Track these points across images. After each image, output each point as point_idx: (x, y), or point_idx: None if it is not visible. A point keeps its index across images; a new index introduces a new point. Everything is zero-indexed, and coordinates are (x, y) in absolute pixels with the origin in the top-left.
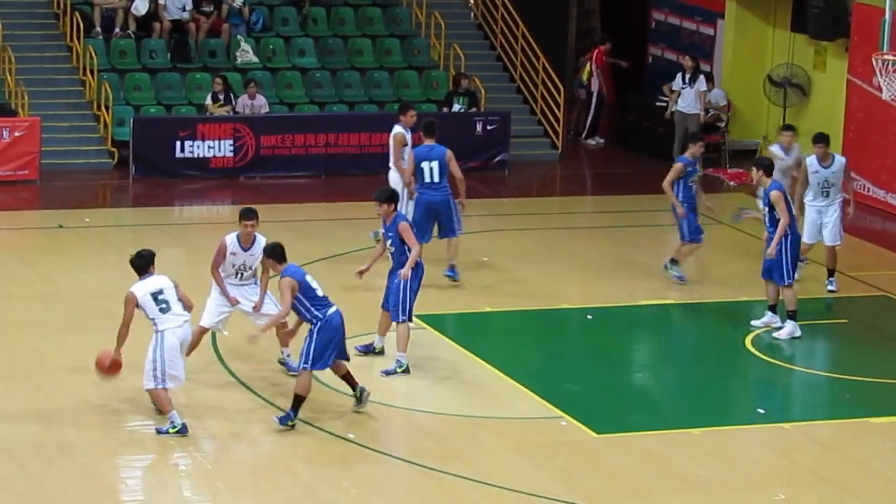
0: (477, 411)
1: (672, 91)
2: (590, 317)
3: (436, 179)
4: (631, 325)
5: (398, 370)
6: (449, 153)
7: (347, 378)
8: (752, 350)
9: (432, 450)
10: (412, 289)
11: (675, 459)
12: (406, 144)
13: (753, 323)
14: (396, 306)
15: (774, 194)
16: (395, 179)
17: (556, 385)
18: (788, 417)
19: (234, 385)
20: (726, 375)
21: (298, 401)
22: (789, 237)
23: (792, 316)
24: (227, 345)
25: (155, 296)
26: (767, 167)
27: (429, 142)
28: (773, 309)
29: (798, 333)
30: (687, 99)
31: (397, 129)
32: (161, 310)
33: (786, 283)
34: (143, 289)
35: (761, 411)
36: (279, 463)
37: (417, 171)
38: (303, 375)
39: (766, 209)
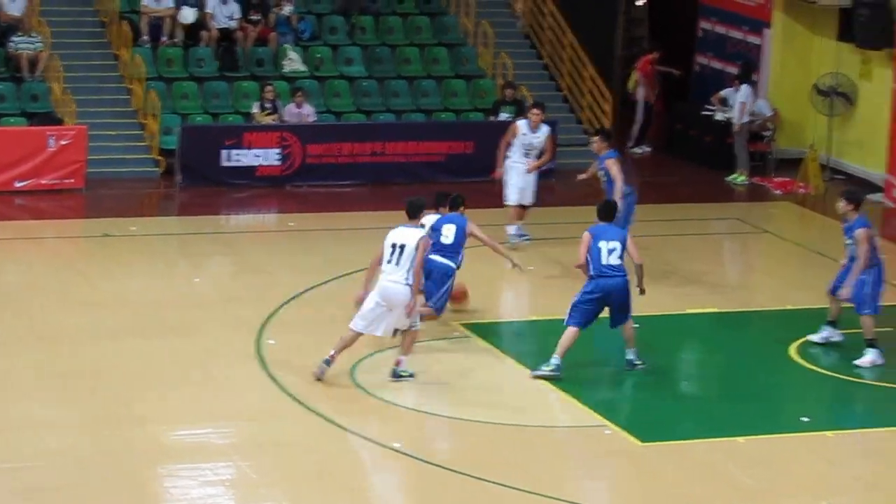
0: (522, 420)
1: (727, 104)
2: (637, 325)
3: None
4: (677, 334)
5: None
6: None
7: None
8: (796, 358)
9: (479, 459)
10: None
11: (721, 468)
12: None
13: (811, 337)
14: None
15: (861, 233)
16: None
17: (601, 393)
18: (833, 425)
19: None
20: (770, 383)
21: None
22: (877, 268)
23: (871, 344)
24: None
25: (393, 245)
26: (857, 201)
27: None
28: (832, 324)
29: (880, 362)
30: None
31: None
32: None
33: (865, 313)
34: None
35: (805, 419)
36: (327, 472)
37: None
38: None
39: (848, 241)
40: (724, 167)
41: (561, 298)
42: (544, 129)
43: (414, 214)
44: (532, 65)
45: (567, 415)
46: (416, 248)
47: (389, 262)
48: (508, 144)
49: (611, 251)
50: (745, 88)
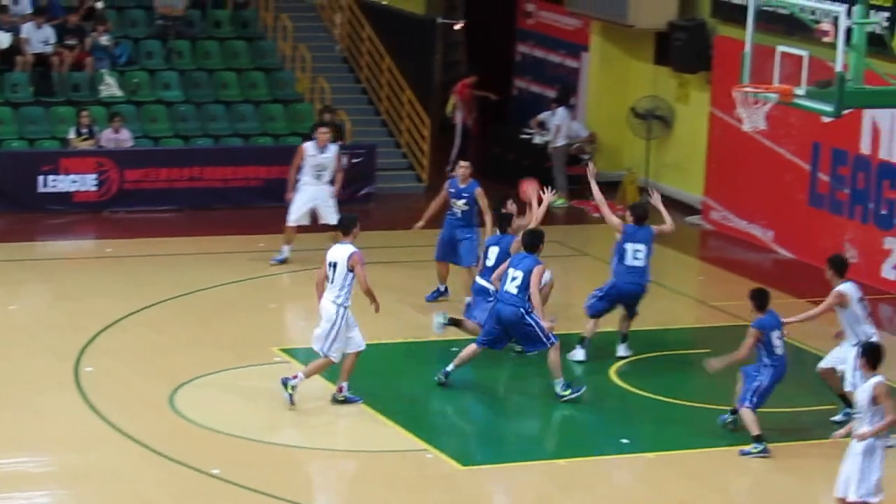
0: (344, 445)
1: (545, 128)
2: (455, 349)
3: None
4: (496, 358)
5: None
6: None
7: None
8: (617, 380)
9: (300, 485)
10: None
11: (541, 490)
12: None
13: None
14: None
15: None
16: None
17: (423, 418)
18: (653, 447)
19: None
20: (592, 405)
21: None
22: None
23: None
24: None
25: (329, 264)
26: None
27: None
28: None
29: None
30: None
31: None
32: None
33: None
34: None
35: (626, 441)
36: (146, 500)
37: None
38: None
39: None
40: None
41: (382, 322)
42: (332, 148)
43: (347, 231)
44: (350, 89)
45: (389, 439)
46: (346, 266)
47: (329, 280)
48: (298, 168)
49: (513, 279)
50: (560, 111)
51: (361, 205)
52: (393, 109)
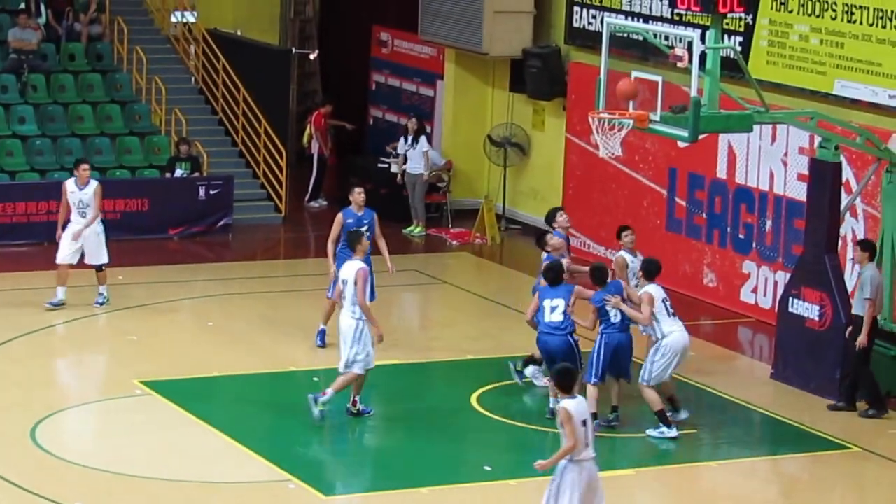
0: (207, 476)
1: (397, 154)
2: (316, 379)
3: None
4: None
5: None
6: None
7: None
8: (478, 408)
9: None
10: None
11: None
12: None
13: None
14: None
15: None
16: None
17: (285, 448)
18: (515, 474)
19: None
20: (453, 433)
21: None
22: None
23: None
24: None
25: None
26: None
27: None
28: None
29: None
30: (413, 160)
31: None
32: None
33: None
34: None
35: (488, 468)
36: None
37: None
38: None
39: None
40: (402, 219)
41: (242, 352)
42: (92, 185)
43: (353, 247)
44: (207, 120)
45: (252, 469)
46: (355, 282)
47: (343, 297)
48: (67, 207)
49: (553, 308)
50: (423, 140)
51: (219, 236)
52: (249, 140)
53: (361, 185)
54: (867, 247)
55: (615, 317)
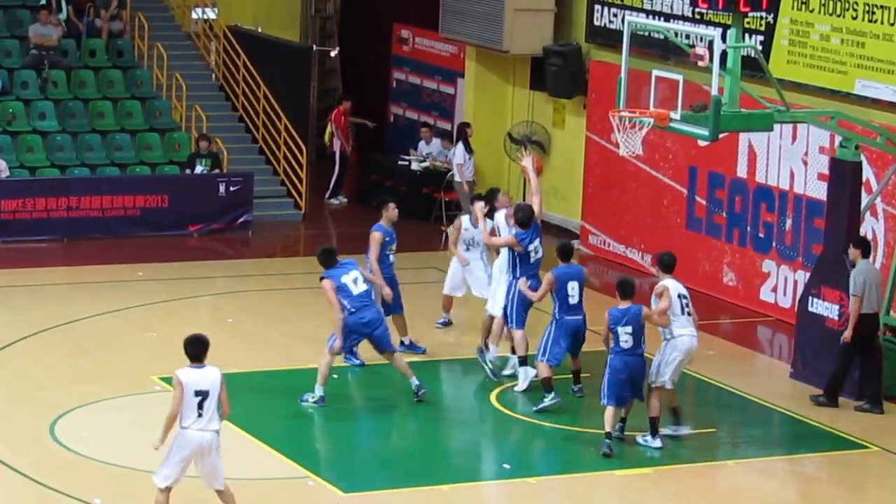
0: (227, 473)
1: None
2: (336, 376)
3: None
4: (379, 384)
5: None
6: None
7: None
8: (497, 405)
9: None
10: None
11: None
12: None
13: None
14: None
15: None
16: None
17: (304, 445)
18: (534, 472)
19: None
20: (473, 430)
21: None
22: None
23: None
24: None
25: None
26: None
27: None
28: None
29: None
30: (468, 167)
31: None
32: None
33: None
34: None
35: (507, 466)
36: None
37: None
38: None
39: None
40: (422, 217)
41: (257, 350)
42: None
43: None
44: (227, 117)
45: (271, 467)
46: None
47: None
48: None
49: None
50: (460, 147)
51: (239, 233)
52: (270, 137)
53: (391, 196)
54: (860, 244)
55: (626, 342)
